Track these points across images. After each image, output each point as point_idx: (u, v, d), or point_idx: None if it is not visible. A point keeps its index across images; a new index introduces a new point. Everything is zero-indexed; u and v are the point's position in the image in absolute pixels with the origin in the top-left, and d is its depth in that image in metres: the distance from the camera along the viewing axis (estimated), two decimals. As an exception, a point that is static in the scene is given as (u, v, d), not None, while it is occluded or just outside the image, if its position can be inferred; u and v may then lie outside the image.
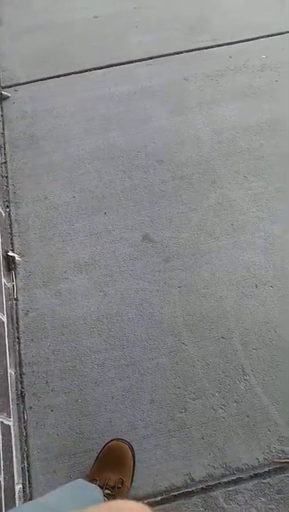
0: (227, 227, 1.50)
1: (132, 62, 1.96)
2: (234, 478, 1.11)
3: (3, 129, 1.75)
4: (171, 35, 2.04)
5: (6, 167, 1.64)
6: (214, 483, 1.11)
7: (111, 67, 1.95)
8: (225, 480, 1.11)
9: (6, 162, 1.65)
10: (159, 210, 1.54)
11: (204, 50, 1.99)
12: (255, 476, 1.10)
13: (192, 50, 1.99)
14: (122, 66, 1.95)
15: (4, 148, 1.69)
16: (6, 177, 1.61)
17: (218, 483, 1.10)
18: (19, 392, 1.21)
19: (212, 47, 1.99)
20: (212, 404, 1.20)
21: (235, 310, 1.35)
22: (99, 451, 1.12)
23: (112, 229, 1.51)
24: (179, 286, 1.39)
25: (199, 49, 1.99)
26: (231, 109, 1.78)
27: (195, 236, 1.49)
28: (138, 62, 1.96)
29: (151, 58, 1.97)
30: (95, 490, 0.88)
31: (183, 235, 1.49)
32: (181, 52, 1.98)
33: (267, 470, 1.11)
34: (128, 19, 2.13)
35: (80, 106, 1.82)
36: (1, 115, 1.79)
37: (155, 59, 1.96)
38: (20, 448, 1.14)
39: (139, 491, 1.10)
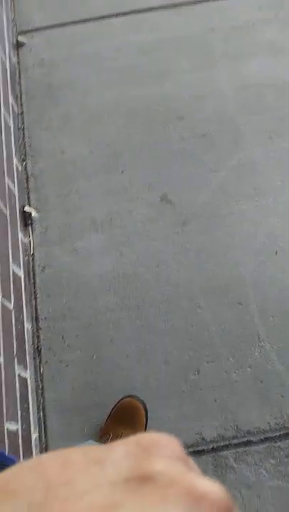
0: (249, 191, 1.45)
1: (154, 9, 1.84)
2: (245, 440, 1.12)
3: (20, 77, 1.67)
4: (199, -20, 1.90)
5: (22, 118, 1.58)
6: (225, 443, 1.12)
7: (132, 14, 1.83)
8: (236, 441, 1.12)
9: (22, 113, 1.58)
10: (179, 170, 1.49)
11: (233, -2, 1.85)
12: (266, 439, 1.12)
13: (221, -2, 1.85)
14: (144, 14, 1.83)
15: (20, 98, 1.62)
16: (22, 129, 1.55)
17: (229, 444, 1.12)
18: (35, 347, 1.22)
19: (242, -5, 1.85)
20: (226, 369, 1.20)
21: (253, 276, 1.32)
22: (112, 407, 1.14)
23: (129, 187, 1.46)
24: (197, 250, 1.36)
25: (228, -3, 1.85)
26: (259, 64, 1.68)
27: (215, 198, 1.44)
28: (161, 10, 1.83)
29: (175, 6, 1.84)
30: None
31: (202, 197, 1.44)
32: (207, 0, 1.84)
33: (278, 434, 1.12)
34: None
35: (99, 55, 1.72)
36: (18, 63, 1.70)
37: (179, 7, 1.83)
38: (37, 400, 1.16)
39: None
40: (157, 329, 1.25)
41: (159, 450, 0.18)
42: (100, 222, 1.40)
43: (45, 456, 0.18)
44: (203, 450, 1.11)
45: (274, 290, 1.30)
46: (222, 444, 1.12)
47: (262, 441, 1.12)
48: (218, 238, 1.38)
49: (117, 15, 1.84)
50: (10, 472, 0.17)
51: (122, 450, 0.18)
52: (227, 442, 1.12)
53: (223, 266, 1.34)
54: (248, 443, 1.12)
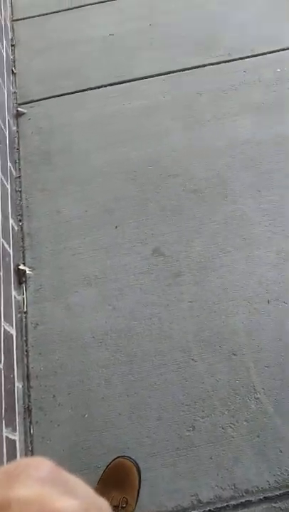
0: (239, 242, 1.48)
1: (146, 78, 1.99)
2: (243, 500, 1.07)
3: (19, 144, 1.79)
4: (185, 50, 2.06)
5: (19, 181, 1.67)
6: (222, 505, 1.07)
7: (125, 83, 1.98)
8: (234, 502, 1.07)
9: (19, 177, 1.68)
10: (171, 224, 1.54)
11: (218, 64, 2.00)
12: (266, 499, 1.06)
13: (206, 65, 2.00)
14: (136, 82, 1.98)
15: (19, 163, 1.72)
16: (20, 191, 1.64)
17: (227, 505, 1.07)
18: (26, 406, 1.21)
19: (226, 61, 2.00)
20: (221, 423, 1.17)
21: (246, 326, 1.32)
22: (104, 468, 1.10)
23: (122, 242, 1.51)
24: (190, 301, 1.38)
25: (213, 64, 2.00)
26: (245, 123, 1.78)
27: (206, 250, 1.48)
28: (152, 78, 1.98)
29: (165, 74, 1.99)
30: None
31: (194, 249, 1.48)
32: (195, 67, 1.99)
33: (278, 493, 1.07)
34: (143, 36, 2.17)
35: (94, 122, 1.84)
36: (17, 131, 1.83)
37: (169, 75, 1.98)
38: (26, 463, 1.13)
39: (144, 510, 1.07)
40: (150, 384, 1.24)
41: (26, 475, 0.18)
42: (93, 277, 1.44)
43: None
44: (200, 514, 1.06)
45: (268, 339, 1.29)
46: (219, 505, 1.07)
47: (261, 501, 1.06)
48: (211, 289, 1.40)
49: (111, 84, 1.99)
50: None
51: None
52: (225, 504, 1.07)
53: (215, 317, 1.35)
54: (247, 504, 1.06)
